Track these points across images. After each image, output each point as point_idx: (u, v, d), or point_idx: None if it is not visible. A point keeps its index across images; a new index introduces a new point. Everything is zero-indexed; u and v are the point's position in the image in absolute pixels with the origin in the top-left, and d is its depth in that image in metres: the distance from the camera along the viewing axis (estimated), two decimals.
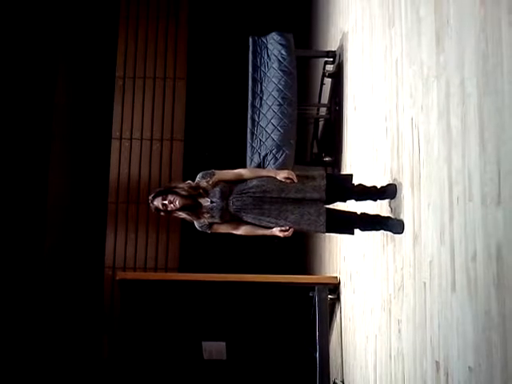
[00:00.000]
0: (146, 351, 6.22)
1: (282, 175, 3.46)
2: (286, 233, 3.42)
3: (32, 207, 8.80)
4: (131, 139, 8.51)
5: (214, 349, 6.05)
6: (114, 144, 8.50)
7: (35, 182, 8.83)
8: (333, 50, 6.12)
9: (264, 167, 5.47)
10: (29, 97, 8.91)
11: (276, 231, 3.44)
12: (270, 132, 5.48)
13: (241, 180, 3.52)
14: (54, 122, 9.02)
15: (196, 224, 3.56)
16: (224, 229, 3.56)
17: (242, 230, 3.53)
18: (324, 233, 3.61)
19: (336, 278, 5.50)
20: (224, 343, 6.02)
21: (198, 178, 3.54)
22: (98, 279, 8.30)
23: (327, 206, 3.52)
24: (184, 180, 3.62)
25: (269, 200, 3.42)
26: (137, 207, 8.27)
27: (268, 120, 5.53)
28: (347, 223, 3.61)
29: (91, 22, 9.31)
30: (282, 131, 5.43)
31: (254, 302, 5.85)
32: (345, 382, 5.10)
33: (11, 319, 8.21)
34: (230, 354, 6.08)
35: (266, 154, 5.44)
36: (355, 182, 3.70)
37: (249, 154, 5.57)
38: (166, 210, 3.50)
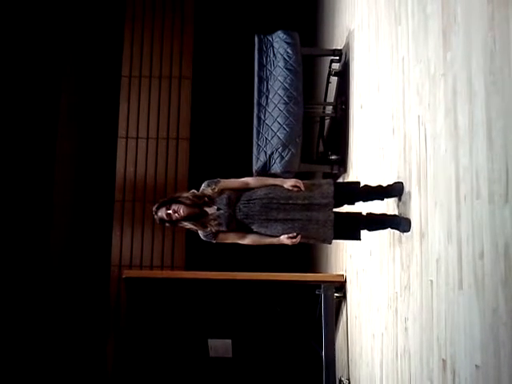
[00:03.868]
0: (152, 348, 6.24)
1: (289, 183, 3.42)
2: (294, 240, 3.37)
3: (38, 206, 8.82)
4: (137, 138, 8.52)
5: (220, 346, 6.06)
6: (120, 143, 8.51)
7: (41, 180, 8.86)
8: (339, 48, 6.11)
9: (270, 166, 5.47)
10: (35, 96, 8.94)
11: (284, 239, 3.39)
12: (275, 130, 5.48)
13: (248, 188, 3.49)
14: (60, 121, 9.04)
15: (201, 234, 3.51)
16: (230, 238, 3.51)
17: (248, 239, 3.48)
18: (330, 243, 3.53)
19: (342, 275, 5.50)
20: (230, 341, 6.04)
21: (203, 187, 3.51)
22: (105, 277, 8.32)
23: (334, 210, 3.49)
24: (189, 189, 3.60)
25: (276, 206, 3.38)
26: (143, 205, 8.28)
27: (274, 118, 5.53)
28: (354, 224, 3.57)
29: (97, 20, 9.33)
30: (287, 130, 5.43)
31: (259, 300, 5.86)
32: (351, 380, 5.10)
33: (17, 318, 8.24)
34: (235, 351, 6.09)
35: (272, 153, 5.44)
36: (362, 184, 3.69)
37: (255, 152, 5.57)
38: (170, 221, 3.45)
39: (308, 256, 8.76)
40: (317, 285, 5.46)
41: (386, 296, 3.84)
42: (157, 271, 7.92)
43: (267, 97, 5.65)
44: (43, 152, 8.95)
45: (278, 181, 3.55)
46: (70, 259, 8.84)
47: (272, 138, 5.48)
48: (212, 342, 6.04)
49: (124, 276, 5.97)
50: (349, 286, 5.33)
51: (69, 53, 9.23)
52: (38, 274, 8.60)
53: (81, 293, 8.64)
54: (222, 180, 3.51)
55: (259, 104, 5.67)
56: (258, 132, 5.60)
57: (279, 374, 6.18)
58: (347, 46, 5.74)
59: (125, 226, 8.34)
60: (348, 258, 5.35)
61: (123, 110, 8.56)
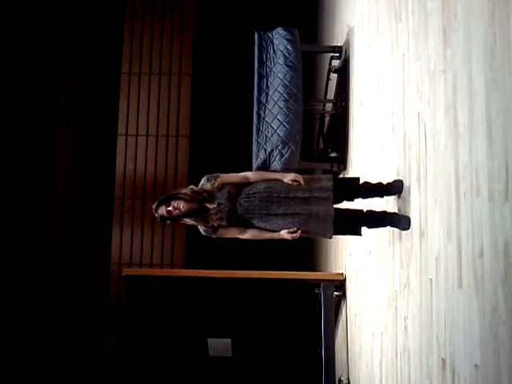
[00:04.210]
0: (152, 347, 6.23)
1: (288, 178, 3.41)
2: (294, 235, 3.35)
3: (38, 203, 8.81)
4: (137, 135, 8.51)
5: (220, 345, 6.05)
6: (120, 140, 8.50)
7: (41, 178, 8.85)
8: (339, 45, 6.09)
9: (270, 163, 5.45)
10: (35, 94, 8.92)
11: (284, 234, 3.36)
12: (275, 128, 5.46)
13: (247, 183, 3.48)
14: (60, 119, 9.03)
15: (201, 229, 3.50)
16: (230, 233, 3.49)
17: (248, 234, 3.46)
18: (331, 237, 3.51)
19: (342, 274, 5.48)
20: (229, 340, 6.02)
21: (202, 181, 3.49)
22: (104, 275, 8.31)
23: (335, 206, 3.48)
24: (188, 184, 3.58)
25: (276, 200, 3.36)
26: (143, 203, 8.27)
27: (274, 116, 5.51)
28: (354, 221, 3.56)
29: (97, 17, 9.31)
30: (287, 127, 5.41)
31: (259, 299, 5.84)
32: (350, 379, 5.09)
33: (17, 317, 8.24)
34: (235, 350, 6.07)
35: (272, 150, 5.42)
36: (361, 180, 3.67)
37: (254, 149, 5.56)
38: (171, 218, 3.43)
39: (307, 254, 8.75)
40: (316, 283, 5.44)
41: (385, 294, 3.83)
42: (156, 269, 7.91)
43: (267, 94, 5.63)
44: (43, 149, 8.93)
45: (278, 175, 3.54)
46: (70, 257, 8.84)
47: (272, 135, 5.46)
48: (212, 341, 6.03)
49: (124, 274, 5.96)
50: (348, 285, 5.31)
51: (69, 50, 9.22)
52: (37, 273, 8.60)
53: (81, 291, 8.64)
54: (222, 175, 3.50)
55: (259, 101, 5.65)
56: (258, 129, 5.58)
57: (279, 374, 6.17)
58: (347, 42, 5.71)
59: (124, 224, 8.33)
60: (347, 256, 5.33)
61: (123, 107, 8.54)
